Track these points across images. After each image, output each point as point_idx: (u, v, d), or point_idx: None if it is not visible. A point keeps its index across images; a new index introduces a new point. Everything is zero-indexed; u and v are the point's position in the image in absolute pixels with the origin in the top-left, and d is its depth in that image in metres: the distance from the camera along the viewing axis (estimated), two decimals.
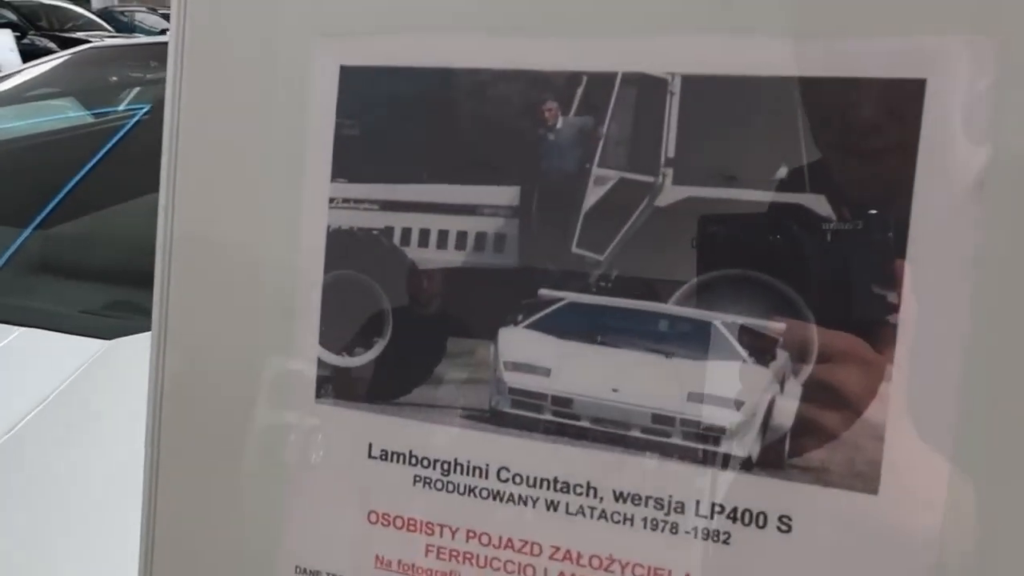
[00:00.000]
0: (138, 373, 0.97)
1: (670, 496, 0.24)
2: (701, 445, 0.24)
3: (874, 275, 0.22)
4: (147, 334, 0.96)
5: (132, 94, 2.05)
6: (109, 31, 14.42)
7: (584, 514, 0.25)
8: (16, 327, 1.00)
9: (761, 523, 0.23)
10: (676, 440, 0.24)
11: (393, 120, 0.26)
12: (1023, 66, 0.21)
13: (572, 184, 0.24)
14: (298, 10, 0.27)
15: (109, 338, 0.96)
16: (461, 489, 0.26)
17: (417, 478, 0.26)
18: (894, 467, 0.22)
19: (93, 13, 14.49)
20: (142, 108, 2.07)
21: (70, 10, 14.26)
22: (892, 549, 0.22)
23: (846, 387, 0.22)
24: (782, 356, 0.23)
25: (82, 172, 1.68)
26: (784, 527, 0.23)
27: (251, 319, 0.28)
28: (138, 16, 15.69)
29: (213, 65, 0.28)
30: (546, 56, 0.24)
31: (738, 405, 0.23)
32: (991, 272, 0.21)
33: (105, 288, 1.18)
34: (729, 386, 0.23)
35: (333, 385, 0.27)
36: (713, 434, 0.24)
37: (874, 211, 0.22)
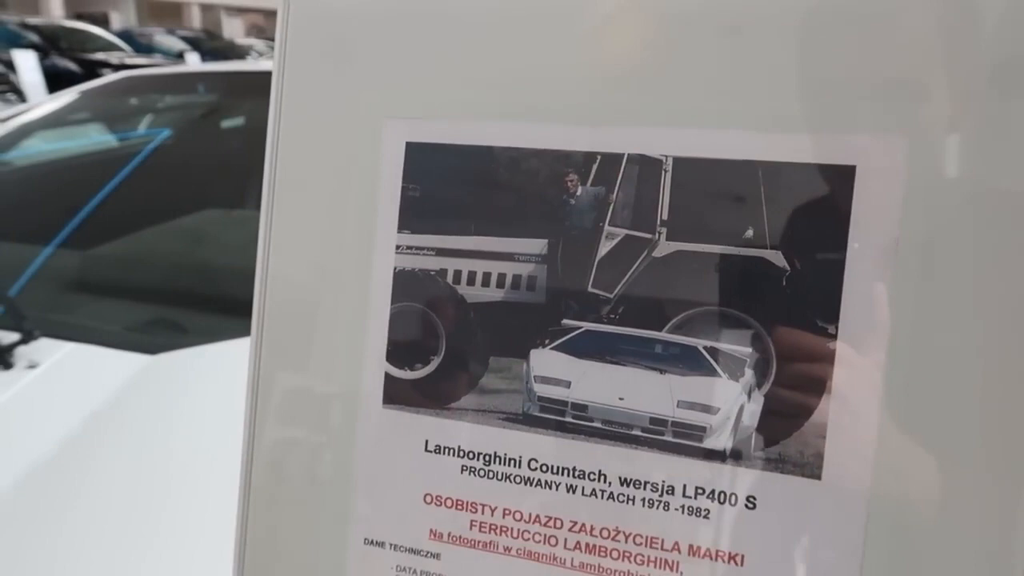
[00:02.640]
0: (182, 385, 1.04)
1: (663, 481, 0.31)
2: (687, 441, 0.31)
3: (818, 312, 0.29)
4: (189, 349, 1.03)
5: (153, 119, 2.14)
6: (128, 52, 14.57)
7: (596, 495, 0.32)
8: (66, 342, 1.07)
9: (733, 502, 0.30)
10: (668, 437, 0.31)
11: (447, 185, 0.33)
12: (928, 155, 0.28)
13: (588, 238, 0.32)
14: (374, 97, 0.34)
15: (154, 353, 1.03)
16: (499, 476, 0.33)
17: (464, 467, 0.33)
18: (833, 459, 0.29)
19: (113, 34, 14.69)
20: (163, 132, 2.16)
21: (90, 32, 14.45)
22: (833, 522, 0.29)
23: (797, 397, 0.29)
24: (748, 373, 0.30)
25: (105, 191, 1.76)
26: (750, 505, 0.30)
27: (332, 340, 0.35)
28: (156, 38, 15.87)
29: (305, 137, 0.36)
30: (569, 139, 0.32)
31: (715, 411, 0.30)
32: (905, 312, 0.28)
33: (145, 307, 1.25)
34: (709, 396, 0.30)
35: (397, 393, 0.34)
36: (696, 433, 0.30)
37: (818, 263, 0.29)
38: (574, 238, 0.32)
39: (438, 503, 0.34)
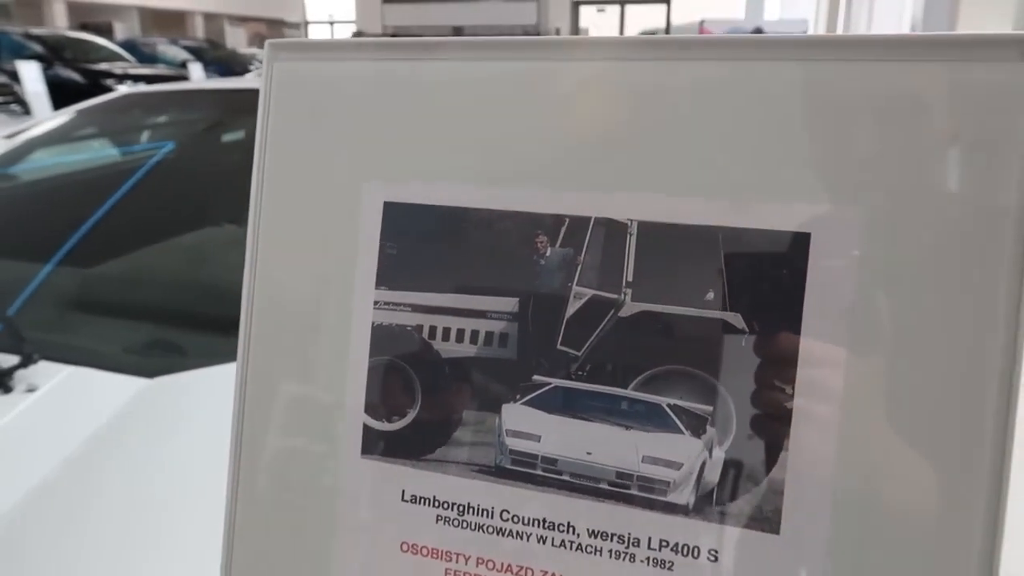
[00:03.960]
0: (179, 408, 1.05)
1: (629, 533, 0.32)
2: (652, 495, 0.32)
3: (776, 373, 0.30)
4: (186, 372, 1.04)
5: (151, 135, 2.15)
6: (131, 61, 14.62)
7: (565, 546, 0.33)
8: (64, 365, 1.08)
9: (696, 555, 0.31)
10: (634, 491, 0.32)
11: (424, 244, 0.35)
12: (879, 224, 0.29)
13: (557, 298, 0.33)
14: (354, 158, 0.36)
15: (152, 376, 1.04)
16: (472, 526, 0.34)
17: (439, 517, 0.35)
18: (791, 513, 0.30)
19: (116, 44, 14.76)
20: (166, 146, 2.18)
21: (94, 42, 14.52)
22: (791, 574, 0.30)
23: (756, 454, 0.30)
24: (710, 430, 0.31)
25: (108, 204, 1.78)
26: (712, 558, 0.31)
27: (312, 390, 0.36)
28: (160, 48, 15.93)
29: (287, 194, 0.37)
30: (539, 202, 0.33)
31: (678, 466, 0.31)
32: (861, 375, 0.29)
33: (144, 327, 1.27)
34: (672, 452, 0.31)
35: (375, 444, 0.35)
36: (660, 487, 0.32)
37: (776, 325, 0.30)
38: (544, 297, 0.33)
39: (414, 551, 0.35)
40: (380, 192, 0.35)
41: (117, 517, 0.84)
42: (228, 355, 1.07)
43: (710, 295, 0.31)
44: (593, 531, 0.32)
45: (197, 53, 15.28)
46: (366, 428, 0.35)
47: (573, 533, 0.33)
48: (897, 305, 0.29)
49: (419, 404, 0.35)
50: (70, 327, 1.33)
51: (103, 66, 12.59)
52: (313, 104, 0.36)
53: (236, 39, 22.86)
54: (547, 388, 0.33)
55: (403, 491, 0.35)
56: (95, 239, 1.60)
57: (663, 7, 22.51)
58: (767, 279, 0.30)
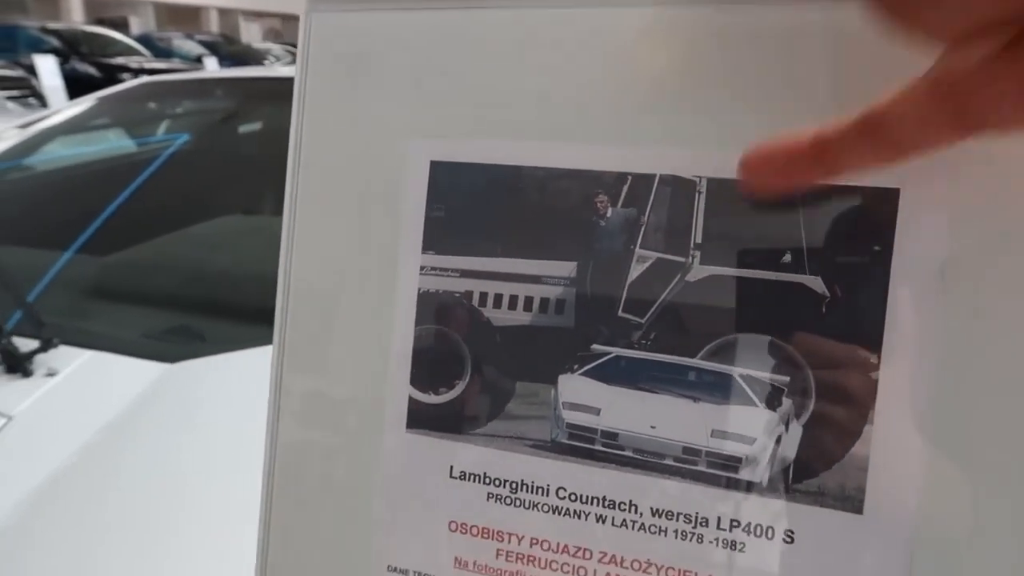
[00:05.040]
0: (199, 393, 1.04)
1: (696, 512, 0.30)
2: (722, 472, 0.30)
3: (860, 340, 0.28)
4: (207, 358, 1.03)
5: (170, 124, 2.14)
6: (146, 55, 14.67)
7: (626, 526, 0.31)
8: (84, 350, 1.07)
9: (770, 536, 0.29)
10: (701, 468, 0.30)
11: (473, 205, 0.33)
12: (971, 183, 0.27)
13: (619, 261, 0.31)
14: (398, 117, 0.34)
15: (172, 361, 1.03)
16: (526, 504, 0.32)
17: (490, 495, 0.33)
18: (876, 492, 0.28)
19: (132, 39, 14.81)
20: (180, 137, 2.17)
21: (109, 36, 14.57)
22: (875, 558, 0.28)
23: (837, 428, 0.28)
24: (787, 403, 0.29)
25: (122, 197, 1.77)
26: (788, 539, 0.29)
27: (355, 361, 0.34)
28: (175, 42, 15.99)
29: (327, 155, 0.35)
30: (599, 159, 0.31)
31: (751, 441, 0.29)
32: (953, 341, 0.27)
33: (163, 314, 1.26)
34: (745, 426, 0.29)
35: (421, 417, 0.33)
36: (731, 464, 0.29)
37: (860, 289, 0.28)
38: (604, 261, 0.31)
39: (463, 531, 0.33)
40: (426, 151, 0.33)
41: (138, 501, 0.83)
42: (248, 341, 1.06)
43: (787, 257, 0.29)
44: (657, 510, 0.30)
45: (212, 48, 15.33)
46: (412, 401, 0.33)
47: (635, 512, 0.31)
48: (994, 265, 0.27)
49: (469, 375, 0.33)
50: (89, 314, 1.32)
51: (119, 60, 12.65)
52: (354, 58, 0.34)
53: (251, 34, 22.92)
54: (607, 358, 0.31)
55: (451, 467, 0.33)
56: (112, 228, 1.59)
57: None
58: (851, 240, 0.28)
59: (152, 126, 2.25)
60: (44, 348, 1.03)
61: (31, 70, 10.55)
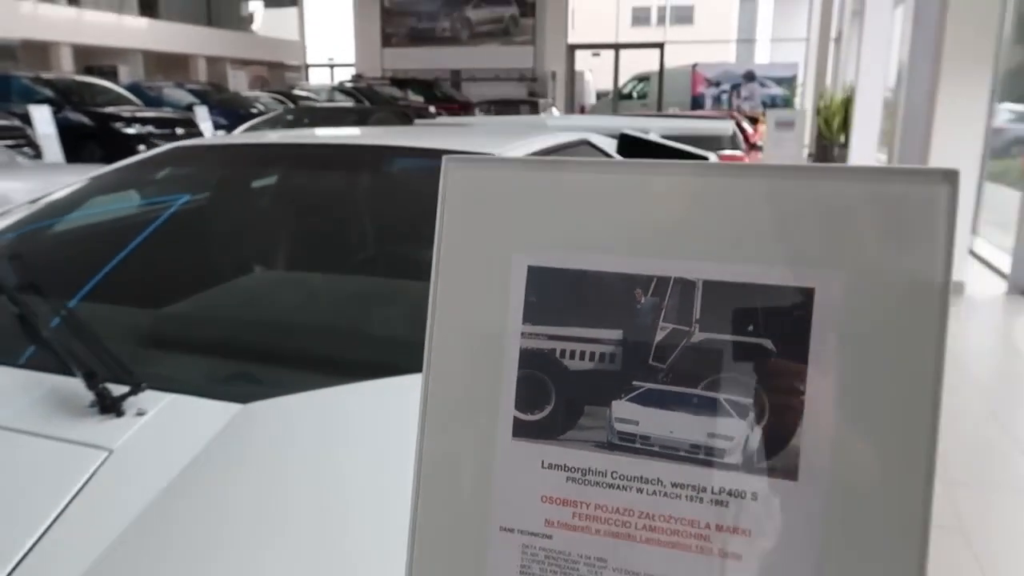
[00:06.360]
0: (272, 430, 1.23)
1: (698, 483, 0.49)
2: (714, 458, 0.49)
3: (793, 375, 0.47)
4: (274, 399, 1.23)
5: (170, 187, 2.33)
6: (138, 104, 14.78)
7: (656, 494, 0.50)
8: (165, 393, 1.25)
9: (743, 496, 0.48)
10: (701, 456, 0.49)
11: (556, 294, 0.52)
12: (853, 287, 0.47)
13: (649, 330, 0.50)
14: (506, 238, 0.53)
15: (244, 402, 1.21)
16: (591, 483, 0.51)
17: (568, 478, 0.51)
18: (805, 467, 0.47)
19: (122, 88, 14.99)
20: (182, 198, 2.36)
21: (100, 85, 14.72)
22: (806, 507, 0.47)
23: (782, 429, 0.48)
24: (751, 415, 0.48)
25: (127, 251, 1.95)
26: (754, 498, 0.48)
27: (477, 394, 0.53)
28: (166, 91, 16.17)
29: (459, 261, 0.54)
30: (637, 267, 0.51)
31: (731, 439, 0.49)
32: (844, 380, 0.47)
33: (222, 361, 1.43)
34: (726, 429, 0.49)
35: (522, 430, 0.53)
36: (719, 453, 0.49)
37: (793, 348, 0.48)
38: (640, 330, 0.51)
39: (550, 502, 0.52)
40: (526, 260, 0.53)
41: (231, 524, 0.99)
42: (300, 384, 1.24)
43: (751, 327, 0.48)
44: (674, 483, 0.49)
45: (202, 96, 15.58)
46: (516, 419, 0.53)
47: (661, 485, 0.50)
48: (866, 341, 0.47)
49: (553, 402, 0.52)
50: (150, 361, 1.50)
51: (111, 109, 12.84)
52: (477, 200, 0.54)
53: (238, 82, 23.27)
54: (642, 389, 0.50)
55: (542, 461, 0.52)
56: (153, 280, 1.77)
57: (656, 52, 23.03)
58: (786, 318, 0.48)
59: (167, 188, 2.43)
60: (134, 391, 1.20)
61: (25, 119, 10.70)
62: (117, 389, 1.22)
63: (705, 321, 0.49)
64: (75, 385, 1.25)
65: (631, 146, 2.96)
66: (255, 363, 1.43)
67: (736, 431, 0.49)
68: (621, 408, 0.51)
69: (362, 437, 1.14)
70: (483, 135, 2.46)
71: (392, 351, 1.42)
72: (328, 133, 2.84)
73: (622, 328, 0.51)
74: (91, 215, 2.22)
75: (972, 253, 6.86)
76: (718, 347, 0.49)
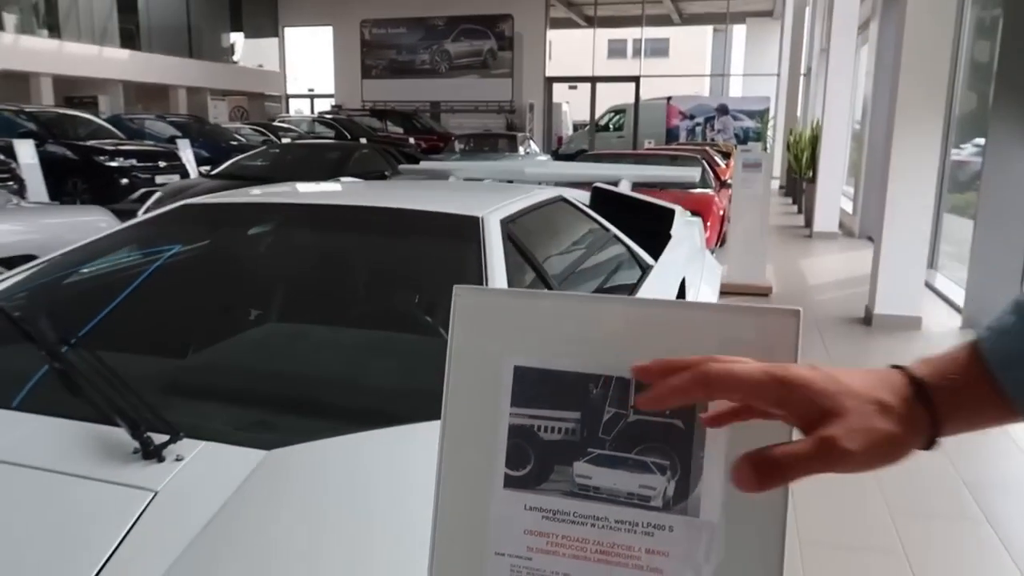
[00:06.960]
0: (295, 474, 1.46)
1: (633, 520, 0.71)
2: (643, 503, 0.71)
3: (692, 444, 0.70)
4: (297, 446, 1.47)
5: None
6: (121, 137, 14.82)
7: (605, 528, 0.72)
8: (199, 440, 1.45)
9: (664, 529, 0.70)
10: (635, 501, 0.71)
11: (534, 385, 0.74)
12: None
13: (599, 412, 0.72)
14: (499, 346, 0.75)
15: (269, 448, 1.41)
16: (560, 520, 0.73)
17: (543, 516, 0.73)
18: (705, 509, 0.69)
19: (104, 120, 15.09)
20: (172, 249, 2.55)
21: (83, 118, 14.79)
22: (706, 537, 0.69)
23: (686, 481, 0.70)
24: (669, 472, 0.70)
25: (118, 300, 2.15)
26: (670, 530, 0.70)
27: (478, 458, 0.75)
28: (147, 123, 16.27)
29: (465, 363, 0.76)
30: (594, 367, 0.73)
31: (655, 489, 0.71)
32: (730, 449, 0.69)
33: (243, 409, 1.63)
34: (652, 482, 0.71)
35: (511, 481, 0.74)
36: (646, 499, 0.71)
37: (689, 425, 0.70)
38: (593, 412, 0.73)
39: (531, 534, 0.74)
40: (513, 361, 0.75)
41: (270, 565, 1.19)
42: (316, 432, 1.45)
43: (667, 412, 0.71)
44: (617, 520, 0.71)
45: (183, 128, 15.72)
46: (506, 474, 0.74)
47: (608, 521, 0.72)
48: (741, 428, 0.69)
49: (532, 462, 0.74)
50: (177, 409, 1.69)
51: (93, 142, 12.94)
52: (479, 318, 0.76)
53: (218, 112, 23.44)
54: (595, 454, 0.72)
55: (525, 504, 0.74)
56: (169, 330, 1.96)
57: (632, 85, 23.56)
58: (685, 414, 0.70)
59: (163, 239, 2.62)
60: (173, 440, 1.40)
61: (8, 152, 10.77)
62: (158, 437, 1.42)
63: (638, 407, 0.72)
64: (118, 434, 1.45)
65: (603, 200, 3.20)
66: (272, 412, 1.63)
67: (658, 484, 0.71)
68: (580, 467, 0.73)
69: (379, 480, 1.35)
70: (470, 196, 2.67)
71: (393, 401, 1.62)
72: (323, 190, 3.05)
73: (580, 410, 0.73)
74: (104, 269, 2.42)
75: (929, 287, 7.17)
76: (646, 425, 0.71)
